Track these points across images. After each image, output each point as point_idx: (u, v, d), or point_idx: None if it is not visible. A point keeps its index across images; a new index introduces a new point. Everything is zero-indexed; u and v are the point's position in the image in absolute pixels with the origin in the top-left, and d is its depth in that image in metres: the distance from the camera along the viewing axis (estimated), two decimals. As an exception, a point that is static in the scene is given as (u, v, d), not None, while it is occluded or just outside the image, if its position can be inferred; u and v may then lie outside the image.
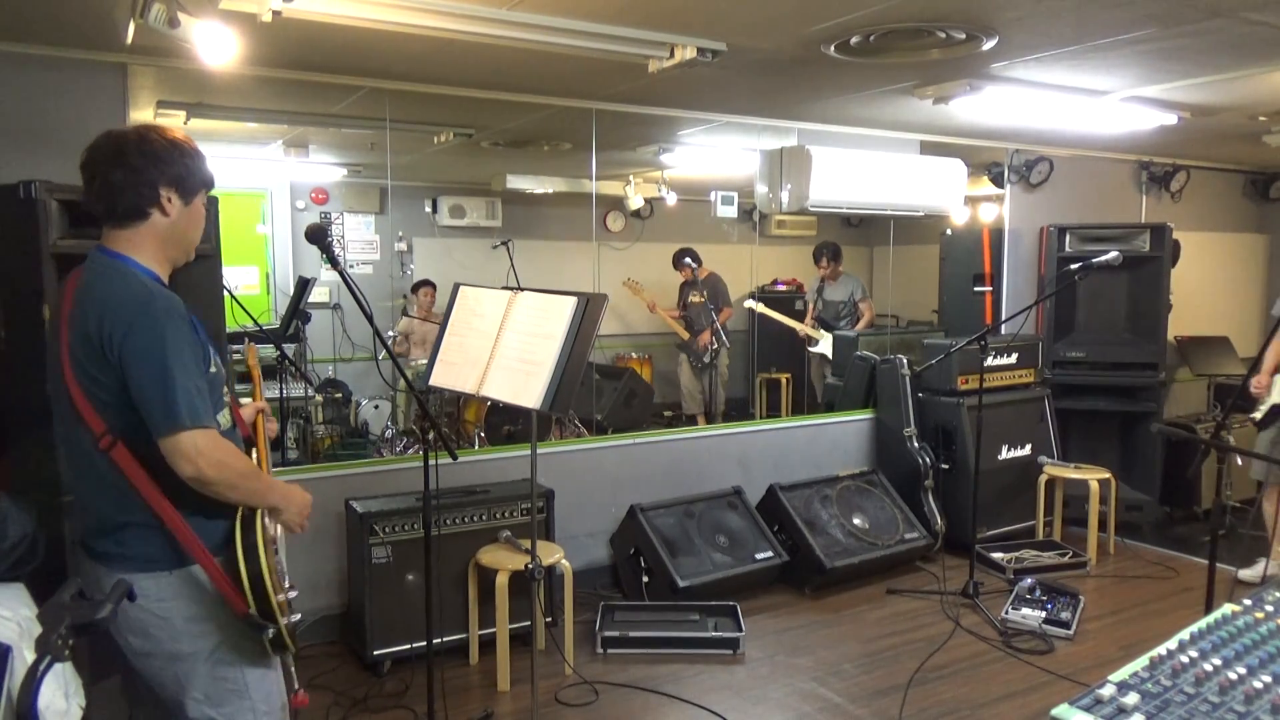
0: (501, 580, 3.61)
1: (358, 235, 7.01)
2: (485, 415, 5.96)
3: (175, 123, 4.38)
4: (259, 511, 1.95)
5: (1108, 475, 5.13)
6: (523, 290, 2.98)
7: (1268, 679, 1.51)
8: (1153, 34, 3.38)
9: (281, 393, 5.38)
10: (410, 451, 5.58)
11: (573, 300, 2.79)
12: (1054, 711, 1.45)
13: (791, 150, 5.13)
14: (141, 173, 1.89)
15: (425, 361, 3.36)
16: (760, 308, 7.15)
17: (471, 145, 5.69)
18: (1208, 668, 1.55)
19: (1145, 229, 5.77)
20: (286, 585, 2.01)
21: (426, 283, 6.68)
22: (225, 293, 3.28)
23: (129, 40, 3.24)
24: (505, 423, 5.85)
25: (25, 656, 2.13)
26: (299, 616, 2.07)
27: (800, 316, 7.26)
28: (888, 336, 6.46)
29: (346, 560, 3.97)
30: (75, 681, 2.32)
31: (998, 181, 6.08)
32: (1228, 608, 1.83)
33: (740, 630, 3.99)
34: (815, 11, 3.15)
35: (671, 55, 3.52)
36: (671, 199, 7.56)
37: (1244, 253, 7.30)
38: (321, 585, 3.99)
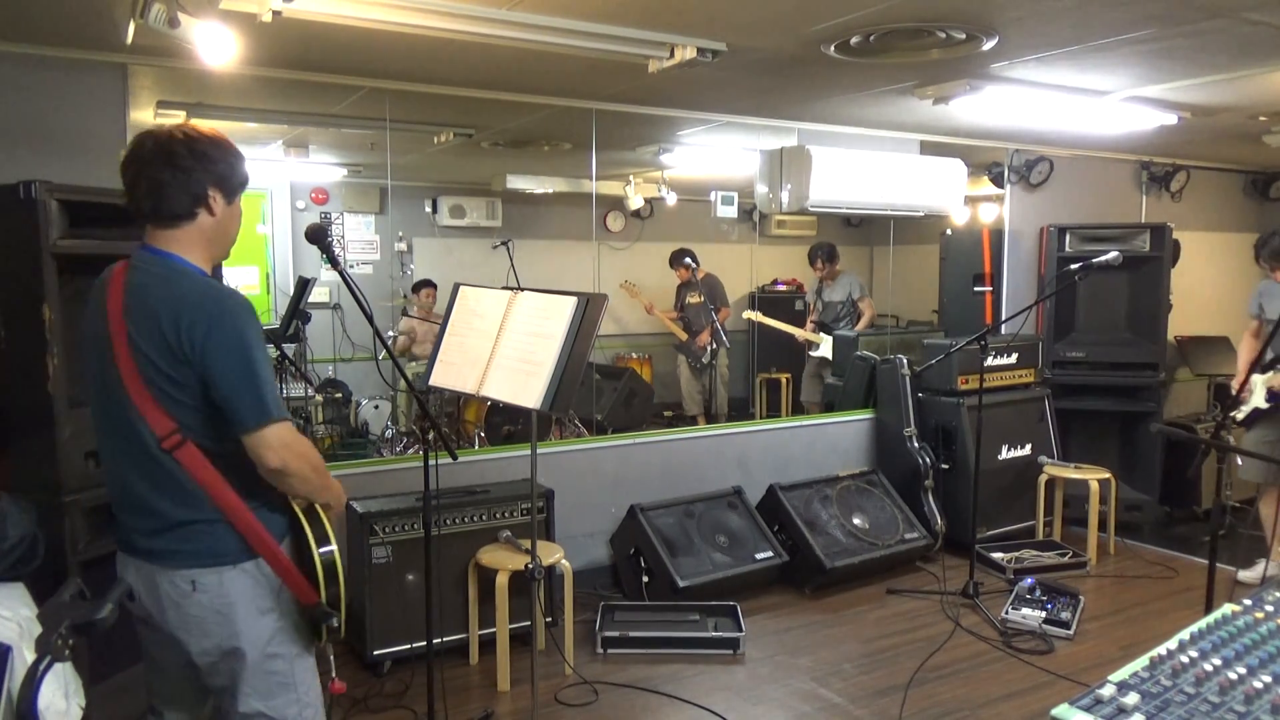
0: (501, 580, 3.61)
1: (358, 235, 7.01)
2: (485, 415, 5.96)
3: (175, 123, 4.37)
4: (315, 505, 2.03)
5: (1108, 475, 5.13)
6: (523, 290, 2.98)
7: (1268, 679, 1.51)
8: (1153, 34, 3.38)
9: (282, 393, 5.38)
10: (410, 451, 5.58)
11: (573, 300, 2.79)
12: (1054, 711, 1.45)
13: (791, 150, 5.13)
14: (190, 172, 1.90)
15: (426, 361, 3.36)
16: (758, 317, 7.11)
17: (471, 145, 5.69)
18: (1208, 668, 1.55)
19: (1145, 229, 5.77)
20: None
21: (427, 283, 6.68)
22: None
23: (129, 40, 3.23)
24: (505, 423, 5.85)
25: (25, 656, 2.13)
26: None
27: (801, 316, 7.26)
28: (888, 336, 6.46)
29: (346, 560, 3.96)
30: (75, 681, 2.32)
31: (998, 181, 6.08)
32: (1228, 608, 1.83)
33: (740, 630, 3.99)
34: (815, 11, 3.15)
35: (671, 55, 3.52)
36: (671, 199, 7.56)
37: (1244, 253, 7.22)
38: (321, 585, 3.98)
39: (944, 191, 5.51)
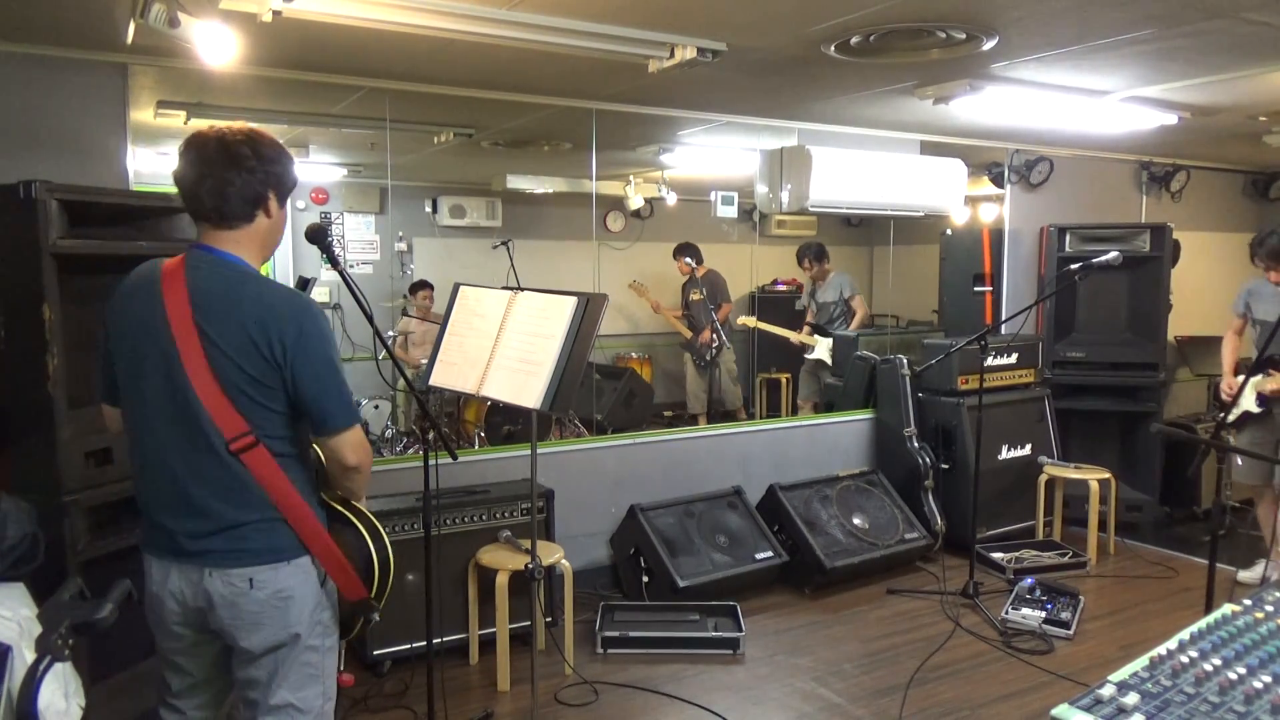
0: (501, 580, 3.61)
1: (358, 235, 7.01)
2: (485, 415, 5.96)
3: (175, 123, 4.38)
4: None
5: (1108, 475, 5.13)
6: (523, 290, 2.98)
7: (1268, 679, 1.51)
8: (1153, 34, 3.38)
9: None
10: (410, 451, 5.58)
11: (573, 300, 2.79)
12: (1054, 711, 1.45)
13: (791, 150, 5.13)
14: (254, 174, 1.92)
15: (425, 362, 3.36)
16: (752, 323, 7.06)
17: (471, 145, 5.69)
18: (1208, 668, 1.55)
19: (1145, 229, 5.77)
20: None
21: (424, 284, 6.66)
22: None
23: (129, 40, 3.23)
24: (505, 423, 5.85)
25: (25, 656, 2.13)
26: None
27: (802, 317, 7.26)
28: (888, 336, 6.46)
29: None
30: (75, 681, 2.32)
31: (998, 181, 6.08)
32: (1228, 608, 1.83)
33: (740, 630, 3.99)
34: (815, 11, 3.15)
35: (671, 55, 3.52)
36: (671, 199, 7.56)
37: (1244, 253, 7.22)
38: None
39: (944, 191, 5.51)
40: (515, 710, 3.50)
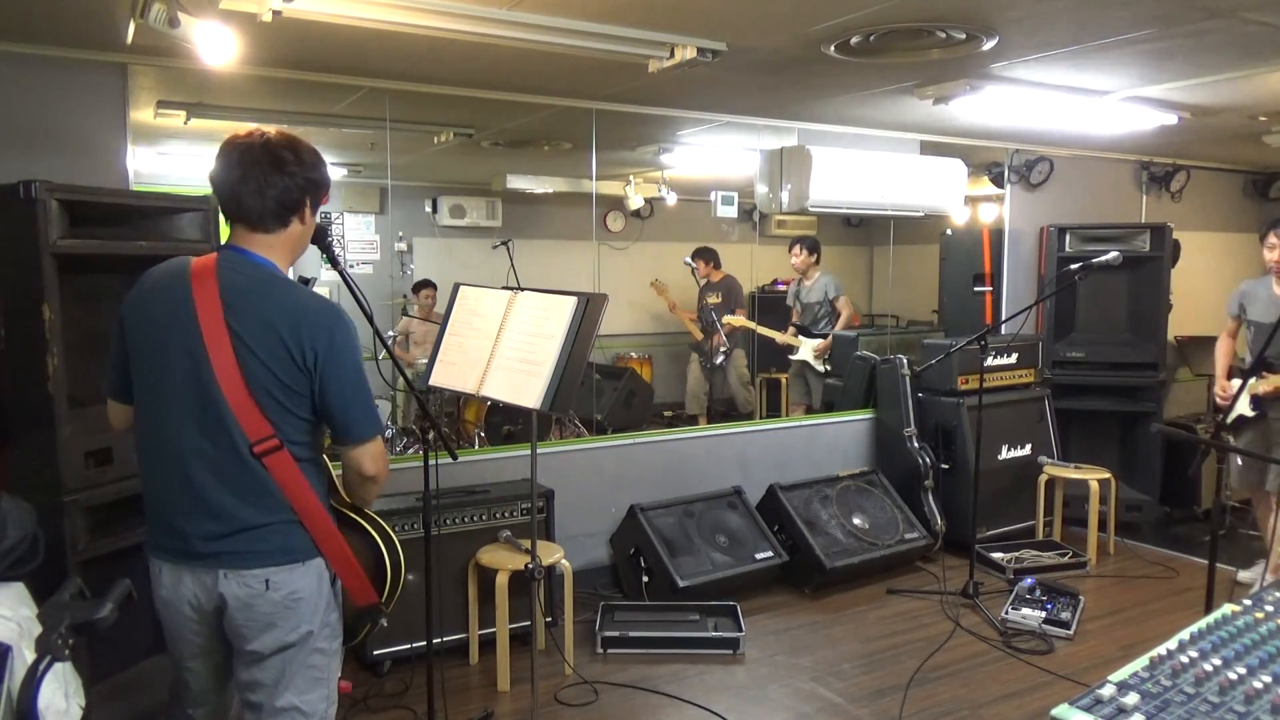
0: (501, 580, 3.61)
1: (358, 235, 6.99)
2: (485, 415, 5.96)
3: (175, 123, 4.38)
4: None
5: (1108, 475, 5.13)
6: (523, 290, 2.98)
7: (1268, 679, 1.51)
8: (1153, 34, 3.38)
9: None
10: (410, 451, 5.58)
11: (573, 300, 2.79)
12: (1054, 711, 1.45)
13: (791, 150, 5.13)
14: (295, 179, 1.93)
15: (425, 362, 3.36)
16: (739, 321, 6.93)
17: (471, 145, 5.69)
18: (1208, 668, 1.55)
19: (1145, 229, 5.78)
20: None
21: (427, 283, 6.67)
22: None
23: (129, 40, 3.23)
24: (505, 423, 5.85)
25: (25, 656, 2.13)
26: None
27: None
28: (888, 336, 6.46)
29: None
30: (75, 681, 2.32)
31: (998, 181, 6.08)
32: (1228, 608, 1.83)
33: (740, 630, 3.99)
34: (815, 11, 3.15)
35: (671, 55, 3.52)
36: (671, 199, 7.55)
37: (1244, 253, 7.27)
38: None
39: (944, 191, 5.51)
40: (515, 710, 3.50)
